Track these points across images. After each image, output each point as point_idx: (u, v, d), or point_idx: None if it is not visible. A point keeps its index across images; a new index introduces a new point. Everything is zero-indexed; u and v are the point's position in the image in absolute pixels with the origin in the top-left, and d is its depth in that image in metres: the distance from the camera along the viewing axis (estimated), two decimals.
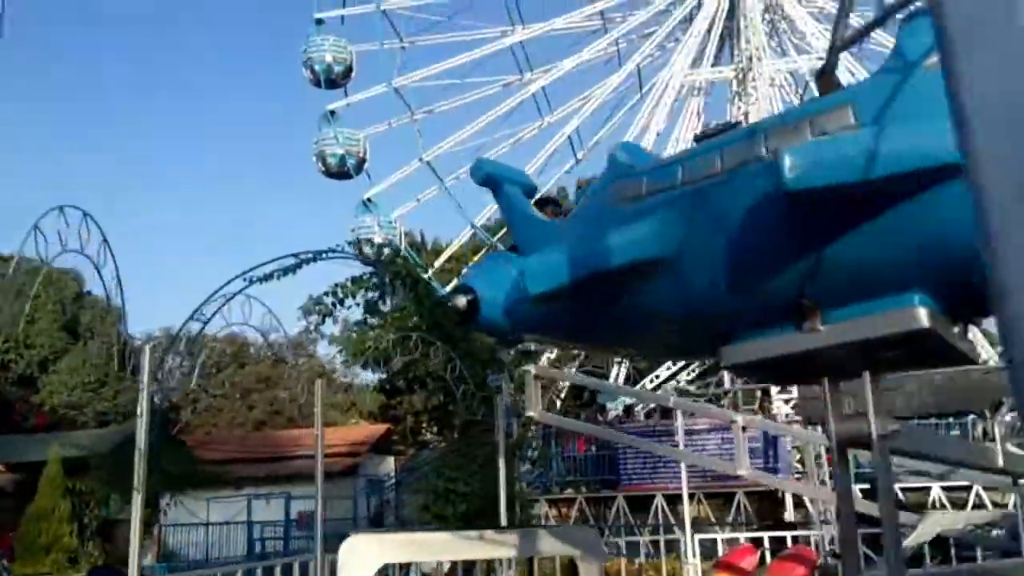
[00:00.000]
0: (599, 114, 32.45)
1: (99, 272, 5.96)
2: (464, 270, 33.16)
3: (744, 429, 5.62)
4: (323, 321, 14.34)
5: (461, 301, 5.89)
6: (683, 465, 10.62)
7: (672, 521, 23.66)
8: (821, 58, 26.41)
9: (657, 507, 24.20)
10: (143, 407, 6.18)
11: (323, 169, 33.40)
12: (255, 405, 50.45)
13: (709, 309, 2.96)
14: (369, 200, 32.80)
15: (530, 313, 3.71)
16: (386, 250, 29.59)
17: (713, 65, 31.61)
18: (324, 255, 14.86)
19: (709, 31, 30.97)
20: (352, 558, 3.64)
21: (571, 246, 3.39)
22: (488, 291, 6.01)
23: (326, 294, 14.44)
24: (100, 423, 37.85)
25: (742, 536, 10.67)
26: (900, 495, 18.04)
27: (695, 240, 2.89)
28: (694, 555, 9.96)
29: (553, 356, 29.09)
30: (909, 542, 4.70)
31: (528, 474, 21.44)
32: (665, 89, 30.07)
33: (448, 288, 22.98)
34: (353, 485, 29.60)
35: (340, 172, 33.22)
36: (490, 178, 4.96)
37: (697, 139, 3.26)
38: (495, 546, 3.99)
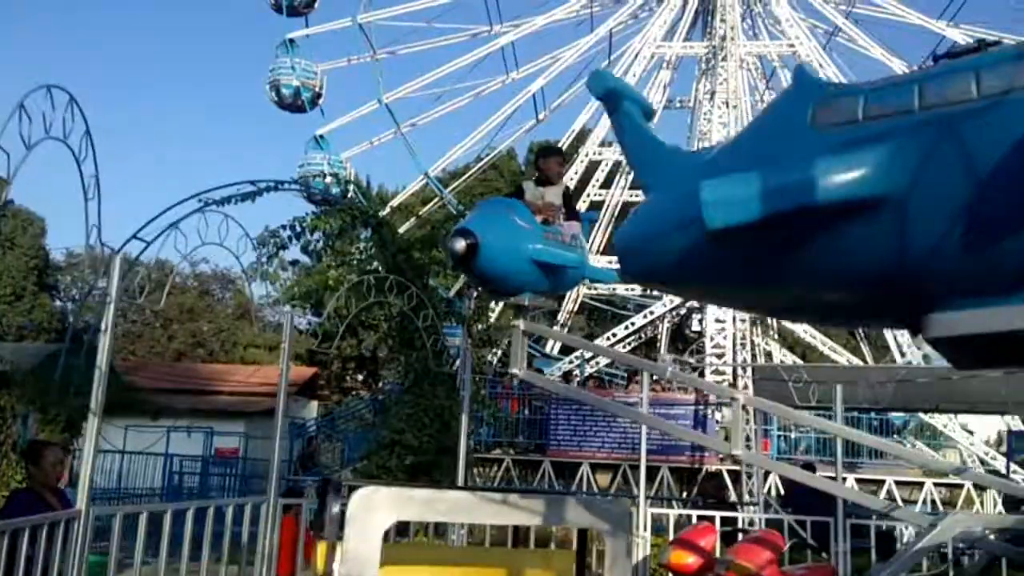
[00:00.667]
0: (565, 76, 32.03)
1: (79, 165, 5.38)
2: (412, 219, 32.40)
3: (744, 408, 5.34)
4: (277, 253, 13.70)
5: (460, 244, 5.44)
6: (643, 436, 10.42)
7: (596, 490, 23.78)
8: (792, 45, 26.26)
9: (582, 475, 24.29)
10: (108, 322, 5.64)
11: (276, 99, 32.28)
12: (175, 336, 49.08)
13: (932, 264, 2.42)
14: (321, 137, 31.85)
15: (679, 253, 3.07)
16: (335, 189, 28.79)
17: (685, 40, 31.38)
18: (284, 185, 14.21)
19: (684, 5, 30.70)
20: (363, 512, 3.26)
21: (760, 176, 2.72)
22: (489, 236, 5.57)
23: (283, 227, 13.83)
24: (18, 337, 36.21)
25: (694, 513, 10.56)
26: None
27: (931, 178, 2.37)
28: (645, 528, 9.80)
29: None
30: (925, 543, 4.50)
31: None
32: (635, 58, 29.74)
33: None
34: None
35: (293, 105, 32.16)
36: (611, 93, 4.42)
37: (936, 59, 2.79)
38: (519, 512, 3.65)
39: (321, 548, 4.77)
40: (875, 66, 29.61)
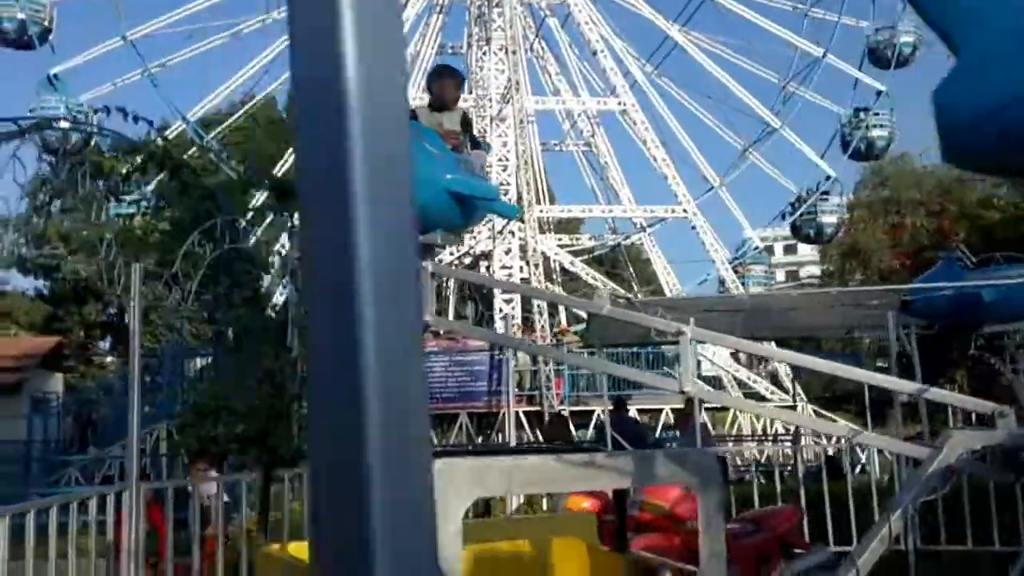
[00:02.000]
0: None
1: None
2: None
3: (692, 342, 5.10)
4: (50, 202, 11.73)
5: None
6: (509, 384, 10.06)
7: None
8: None
9: None
10: None
11: None
12: None
13: None
14: (56, 77, 28.22)
15: None
16: (74, 136, 25.69)
17: None
18: (55, 124, 12.26)
19: None
20: (440, 490, 2.62)
21: None
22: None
23: (53, 170, 11.90)
24: None
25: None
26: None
27: None
28: None
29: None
30: (936, 466, 4.47)
31: None
32: (406, 2, 28.80)
33: None
34: (24, 404, 25.76)
35: (20, 41, 28.22)
36: None
37: None
38: (607, 474, 3.16)
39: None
40: (639, 21, 30.78)
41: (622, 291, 30.39)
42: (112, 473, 21.50)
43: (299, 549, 4.43)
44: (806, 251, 64.60)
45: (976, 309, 7.99)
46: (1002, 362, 18.90)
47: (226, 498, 9.62)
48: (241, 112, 32.11)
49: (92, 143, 22.32)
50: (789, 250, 63.84)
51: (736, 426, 26.82)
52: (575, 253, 29.45)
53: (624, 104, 28.25)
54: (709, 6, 30.05)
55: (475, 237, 27.24)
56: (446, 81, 5.71)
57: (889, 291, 9.89)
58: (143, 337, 30.00)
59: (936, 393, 5.04)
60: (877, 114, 30.90)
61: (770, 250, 44.93)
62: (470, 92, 31.64)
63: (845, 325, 10.53)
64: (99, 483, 20.37)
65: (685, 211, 28.13)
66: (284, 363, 11.81)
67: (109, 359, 45.56)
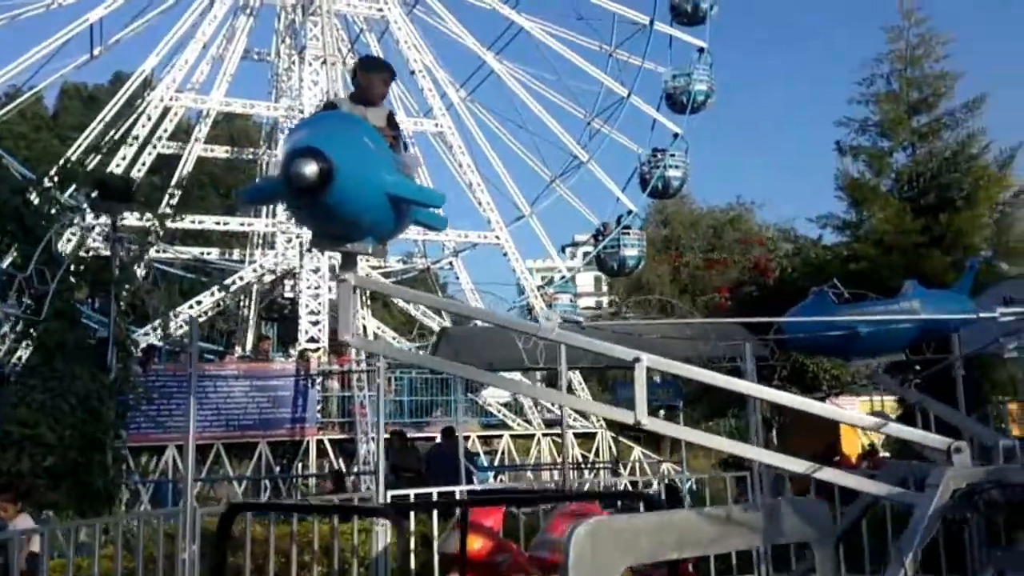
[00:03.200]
0: (127, 10, 27.90)
1: None
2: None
3: (648, 369, 4.77)
4: None
5: (310, 169, 4.03)
6: (378, 412, 9.30)
7: (177, 475, 21.55)
8: (381, 9, 25.99)
9: (170, 459, 21.92)
10: None
11: None
12: None
13: None
14: None
15: None
16: None
17: None
18: None
19: None
20: (592, 555, 2.18)
21: None
22: (346, 161, 4.21)
23: None
24: None
25: (411, 492, 9.79)
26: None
27: None
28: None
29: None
30: (935, 505, 4.33)
31: None
32: (213, 1, 27.04)
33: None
34: None
35: None
36: None
37: None
38: (742, 530, 2.74)
39: None
40: (455, 44, 30.73)
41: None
42: None
43: None
44: (583, 284, 67.13)
45: (852, 343, 8.25)
46: (803, 392, 20.37)
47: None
48: (12, 106, 28.76)
49: None
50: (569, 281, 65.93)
51: (533, 455, 27.09)
52: (384, 276, 28.66)
53: (441, 126, 27.95)
54: (523, 37, 30.48)
55: (284, 253, 25.83)
56: (375, 75, 5.06)
57: (762, 324, 10.14)
58: None
59: (894, 428, 4.94)
60: (673, 155, 32.57)
61: (551, 281, 46.36)
62: (277, 101, 30.24)
63: (708, 356, 10.73)
64: None
65: (498, 238, 28.20)
66: (101, 386, 10.41)
67: None
